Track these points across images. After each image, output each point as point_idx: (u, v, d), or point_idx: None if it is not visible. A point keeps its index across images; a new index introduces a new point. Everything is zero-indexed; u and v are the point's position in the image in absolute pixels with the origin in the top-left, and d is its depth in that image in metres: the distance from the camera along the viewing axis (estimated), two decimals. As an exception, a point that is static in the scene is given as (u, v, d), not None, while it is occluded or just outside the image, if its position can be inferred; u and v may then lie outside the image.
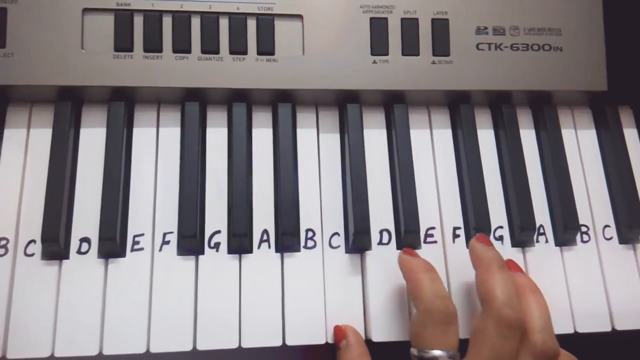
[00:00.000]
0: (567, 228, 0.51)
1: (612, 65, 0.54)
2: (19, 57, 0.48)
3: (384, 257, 0.49)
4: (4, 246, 0.46)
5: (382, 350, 0.46)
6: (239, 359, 0.46)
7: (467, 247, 0.50)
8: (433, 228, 0.51)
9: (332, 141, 0.52)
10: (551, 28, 0.54)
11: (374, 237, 0.50)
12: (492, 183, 0.53)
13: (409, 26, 0.52)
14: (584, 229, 0.53)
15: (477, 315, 0.43)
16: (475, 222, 0.50)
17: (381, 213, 0.50)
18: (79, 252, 0.46)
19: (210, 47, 0.50)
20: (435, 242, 0.50)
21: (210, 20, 0.50)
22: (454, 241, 0.51)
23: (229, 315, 0.46)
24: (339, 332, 0.46)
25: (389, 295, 0.48)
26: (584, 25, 0.54)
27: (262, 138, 0.52)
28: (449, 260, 0.50)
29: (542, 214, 0.52)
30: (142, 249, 0.47)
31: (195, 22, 0.50)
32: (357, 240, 0.48)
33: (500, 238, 0.51)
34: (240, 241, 0.47)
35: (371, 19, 0.52)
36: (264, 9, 0.51)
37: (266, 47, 0.50)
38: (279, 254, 0.48)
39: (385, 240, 0.50)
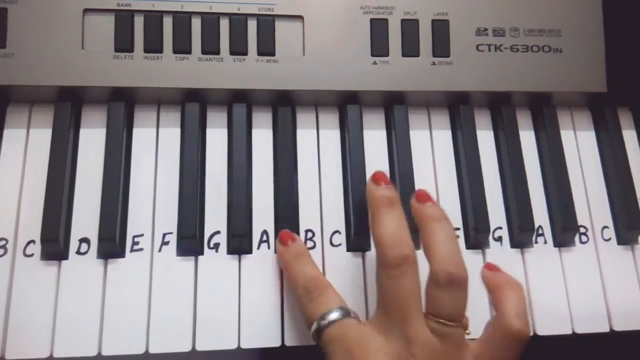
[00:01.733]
0: (566, 229, 0.51)
1: (612, 67, 0.54)
2: (19, 57, 0.48)
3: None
4: (3, 246, 0.46)
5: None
6: (238, 359, 0.46)
7: (466, 248, 0.51)
8: (432, 229, 0.51)
9: (332, 142, 0.52)
10: (551, 29, 0.54)
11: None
12: (492, 184, 0.53)
13: (409, 27, 0.52)
14: (582, 230, 0.53)
15: None
16: (474, 222, 0.50)
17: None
18: (78, 252, 0.46)
19: (210, 47, 0.50)
20: (434, 243, 0.50)
21: (210, 20, 0.50)
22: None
23: (228, 315, 0.46)
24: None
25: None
26: (583, 26, 0.54)
27: (262, 139, 0.52)
28: (448, 261, 0.50)
29: (541, 215, 0.53)
30: (141, 249, 0.47)
31: (196, 23, 0.50)
32: (357, 241, 0.49)
33: (499, 239, 0.51)
34: (239, 242, 0.47)
35: (371, 20, 0.52)
36: (265, 9, 0.51)
37: (266, 48, 0.50)
38: (278, 255, 0.48)
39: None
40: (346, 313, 0.41)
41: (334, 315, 0.41)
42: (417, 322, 0.39)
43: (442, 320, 0.40)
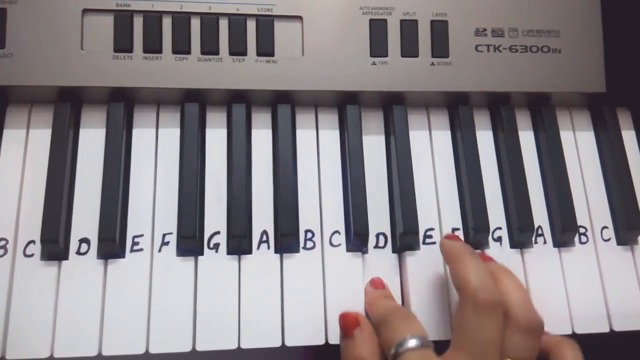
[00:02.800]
0: (565, 229, 0.51)
1: (611, 67, 0.54)
2: (18, 58, 0.48)
3: (382, 258, 0.49)
4: (4, 247, 0.46)
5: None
6: (239, 359, 0.46)
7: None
8: (432, 229, 0.51)
9: (331, 142, 0.52)
10: (550, 30, 0.54)
11: (373, 238, 0.50)
12: (491, 184, 0.53)
13: (408, 28, 0.52)
14: (582, 230, 0.53)
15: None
16: (473, 223, 0.50)
17: (380, 214, 0.51)
18: (78, 252, 0.46)
19: (210, 48, 0.50)
20: (434, 243, 0.50)
21: (210, 21, 0.50)
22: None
23: (228, 316, 0.46)
24: (351, 320, 0.44)
25: (388, 296, 0.48)
26: (582, 27, 0.54)
27: (262, 139, 0.52)
28: (448, 261, 0.50)
29: (540, 215, 0.53)
30: (141, 249, 0.47)
31: (195, 23, 0.50)
32: (357, 241, 0.49)
33: (499, 239, 0.51)
34: (239, 242, 0.47)
35: (370, 20, 0.52)
36: (264, 10, 0.51)
37: (266, 48, 0.50)
38: (278, 255, 0.48)
39: (381, 242, 0.50)
40: (425, 344, 0.41)
41: (413, 343, 0.40)
42: None
43: None
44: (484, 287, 0.41)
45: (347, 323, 0.44)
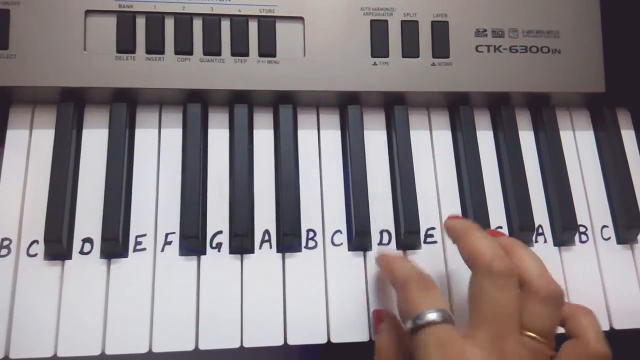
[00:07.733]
0: (566, 228, 0.51)
1: (610, 67, 0.54)
2: (21, 58, 0.48)
3: (384, 257, 0.49)
4: (7, 246, 0.46)
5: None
6: (241, 358, 0.46)
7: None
8: (433, 228, 0.51)
9: (332, 142, 0.53)
10: (549, 30, 0.54)
11: (375, 238, 0.50)
12: (491, 184, 0.53)
13: (409, 28, 0.53)
14: (582, 229, 0.53)
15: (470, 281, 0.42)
16: (474, 222, 0.50)
17: (381, 214, 0.51)
18: (81, 252, 0.47)
19: (212, 48, 0.50)
20: (435, 242, 0.51)
21: (212, 22, 0.50)
22: (454, 241, 0.51)
23: (230, 315, 0.46)
24: (376, 315, 0.46)
25: (391, 294, 0.48)
26: (582, 27, 0.55)
27: (264, 139, 0.52)
28: (449, 260, 0.50)
29: (540, 214, 0.53)
30: (144, 249, 0.47)
31: (197, 24, 0.50)
32: (358, 241, 0.49)
33: (500, 238, 0.52)
34: (241, 241, 0.48)
35: (371, 21, 0.52)
36: (266, 11, 0.51)
37: (267, 49, 0.50)
38: (280, 254, 0.48)
39: (385, 240, 0.50)
40: (445, 318, 0.39)
41: (433, 316, 0.39)
42: (515, 337, 0.39)
43: (535, 336, 0.40)
44: (499, 257, 0.40)
45: (374, 318, 0.46)
